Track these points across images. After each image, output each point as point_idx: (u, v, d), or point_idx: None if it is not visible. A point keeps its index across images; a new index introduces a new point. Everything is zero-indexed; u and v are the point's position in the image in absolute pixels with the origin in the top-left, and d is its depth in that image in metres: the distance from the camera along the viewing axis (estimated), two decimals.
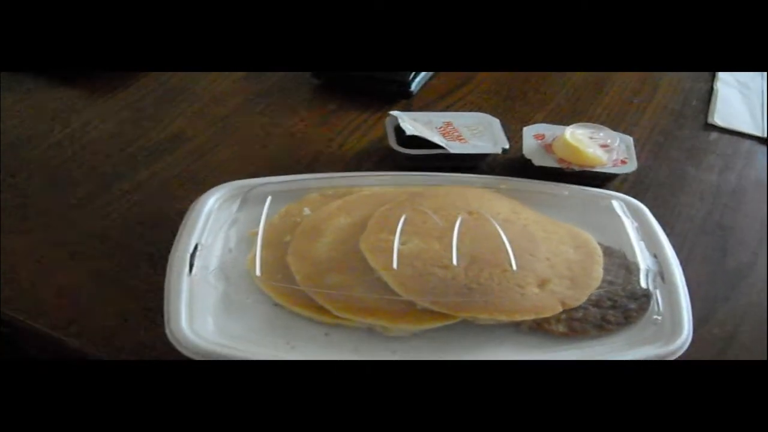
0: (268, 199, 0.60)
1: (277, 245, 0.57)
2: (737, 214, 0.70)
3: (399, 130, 0.71)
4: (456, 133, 0.72)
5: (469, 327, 0.52)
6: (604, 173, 0.69)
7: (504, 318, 0.52)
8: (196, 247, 0.56)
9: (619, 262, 0.58)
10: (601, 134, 0.71)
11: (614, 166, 0.69)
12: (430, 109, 0.81)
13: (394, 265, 0.53)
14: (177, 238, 0.57)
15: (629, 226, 0.60)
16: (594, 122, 0.74)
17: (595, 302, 0.54)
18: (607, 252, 0.59)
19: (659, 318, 0.54)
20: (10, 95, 0.79)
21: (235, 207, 0.61)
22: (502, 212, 0.60)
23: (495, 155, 0.71)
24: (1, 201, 0.65)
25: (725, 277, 0.62)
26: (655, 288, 0.55)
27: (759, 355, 0.56)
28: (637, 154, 0.71)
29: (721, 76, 0.91)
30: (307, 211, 0.61)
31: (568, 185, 0.67)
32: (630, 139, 0.72)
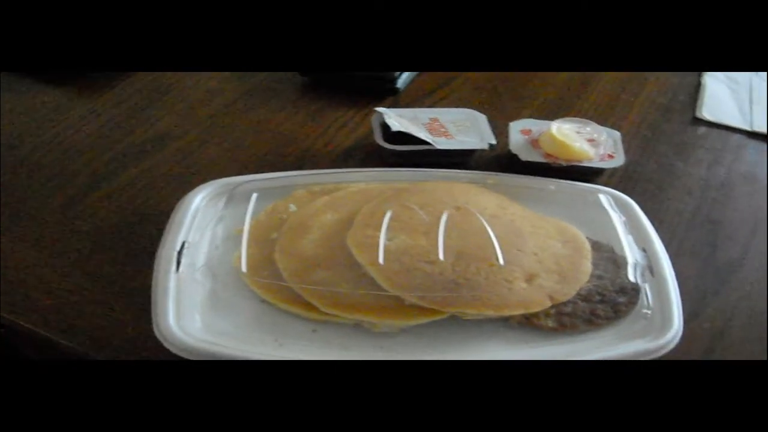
0: (254, 196, 0.60)
1: (263, 242, 0.57)
2: (726, 209, 0.70)
3: (385, 127, 0.70)
4: (442, 129, 0.72)
5: (457, 323, 0.52)
6: (591, 168, 0.69)
7: (492, 313, 0.51)
8: (183, 245, 0.56)
9: (608, 257, 0.58)
10: (588, 129, 0.71)
11: (601, 160, 0.69)
12: (417, 106, 0.80)
13: (381, 261, 0.52)
14: (164, 235, 0.57)
15: (617, 220, 0.60)
16: (581, 117, 0.74)
17: (584, 297, 0.54)
18: (596, 246, 0.59)
19: (649, 312, 0.54)
20: None
21: (221, 204, 0.61)
22: (489, 207, 0.60)
23: (482, 151, 0.70)
24: None
25: (715, 272, 0.63)
26: (644, 282, 0.55)
27: (749, 349, 0.56)
28: (625, 148, 0.71)
29: None
30: (293, 207, 0.61)
31: (555, 180, 0.67)
32: (617, 134, 0.72)
